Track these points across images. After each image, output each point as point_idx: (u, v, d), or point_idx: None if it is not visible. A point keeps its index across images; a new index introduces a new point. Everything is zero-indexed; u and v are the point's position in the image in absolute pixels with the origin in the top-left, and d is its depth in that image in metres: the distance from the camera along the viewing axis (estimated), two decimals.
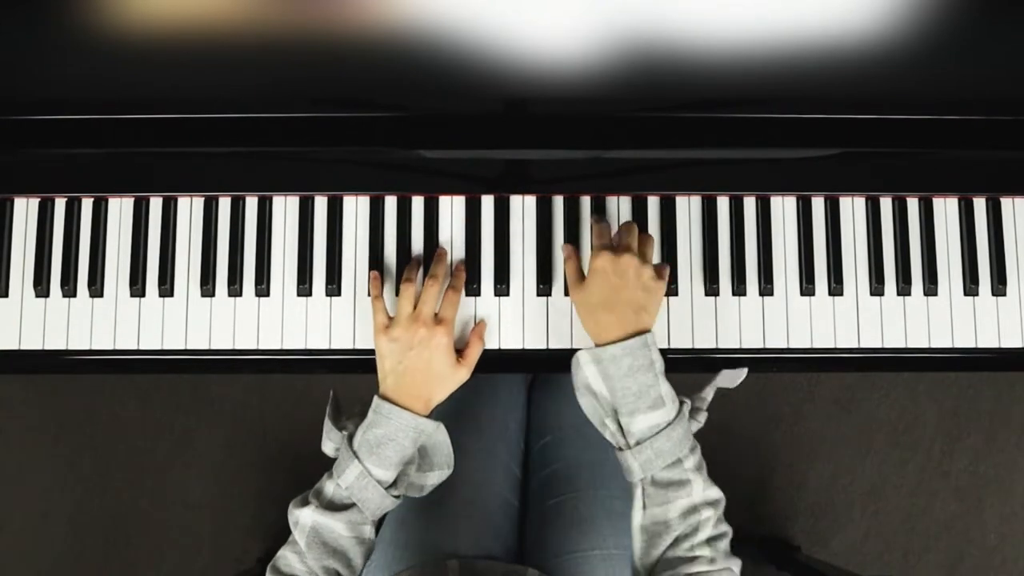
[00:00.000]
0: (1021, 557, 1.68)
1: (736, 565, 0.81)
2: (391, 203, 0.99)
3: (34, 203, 0.99)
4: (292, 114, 0.97)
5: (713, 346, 0.97)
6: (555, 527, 1.05)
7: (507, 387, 1.17)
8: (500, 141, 0.99)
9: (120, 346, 0.96)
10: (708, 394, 0.89)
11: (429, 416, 0.88)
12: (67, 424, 1.67)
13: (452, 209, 0.99)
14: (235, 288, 0.97)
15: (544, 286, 0.97)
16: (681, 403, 0.85)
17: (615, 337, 0.84)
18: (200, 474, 1.66)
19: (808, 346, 0.97)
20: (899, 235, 0.99)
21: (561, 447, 1.10)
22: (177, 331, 0.96)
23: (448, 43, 0.92)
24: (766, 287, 0.97)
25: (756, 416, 1.68)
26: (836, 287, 0.98)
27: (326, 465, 0.88)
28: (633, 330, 0.85)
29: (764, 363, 0.98)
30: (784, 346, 0.97)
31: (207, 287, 0.97)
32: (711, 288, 0.97)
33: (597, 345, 0.85)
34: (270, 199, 0.98)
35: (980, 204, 1.00)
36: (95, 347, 0.96)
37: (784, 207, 0.99)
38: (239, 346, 0.96)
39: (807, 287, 0.98)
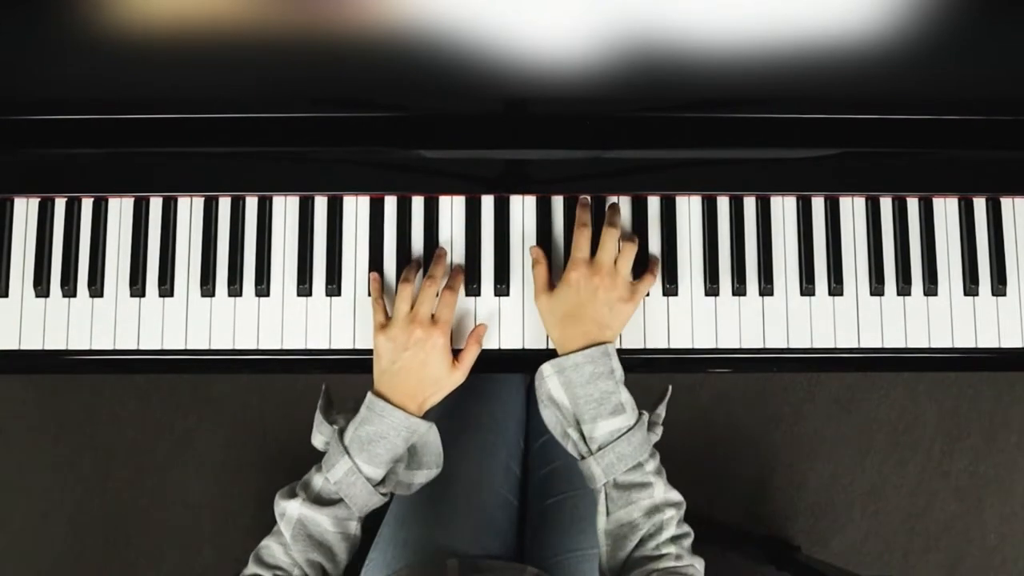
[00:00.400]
0: (1021, 557, 1.68)
1: (700, 564, 0.84)
2: (391, 203, 0.99)
3: (34, 203, 0.99)
4: (292, 114, 0.97)
5: (713, 346, 0.97)
6: (554, 526, 1.05)
7: (507, 387, 1.17)
8: (500, 141, 0.99)
9: (120, 346, 0.96)
10: (662, 410, 0.90)
11: (424, 416, 0.88)
12: (67, 424, 1.67)
13: (452, 209, 0.99)
14: (235, 288, 0.97)
15: None
16: (640, 413, 0.87)
17: (577, 347, 0.87)
18: (200, 474, 1.66)
19: (808, 346, 0.97)
20: (899, 235, 0.99)
21: (560, 446, 1.10)
22: (177, 331, 0.96)
23: (448, 43, 0.92)
24: (766, 287, 0.97)
25: (756, 416, 1.68)
26: (836, 287, 0.98)
27: None
28: (595, 341, 0.87)
29: (764, 363, 0.98)
30: (784, 346, 0.97)
31: (207, 287, 0.97)
32: (711, 288, 0.97)
33: (560, 354, 0.88)
34: (270, 199, 0.98)
35: (980, 204, 1.00)
36: (95, 347, 0.96)
37: (784, 207, 0.99)
38: (239, 346, 0.96)
39: (807, 287, 0.98)
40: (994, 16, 0.93)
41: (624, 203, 0.99)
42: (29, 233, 0.98)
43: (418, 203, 0.99)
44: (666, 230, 0.98)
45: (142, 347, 0.96)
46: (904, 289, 0.98)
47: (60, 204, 0.98)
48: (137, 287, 0.97)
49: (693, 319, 0.97)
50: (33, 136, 0.97)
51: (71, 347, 0.96)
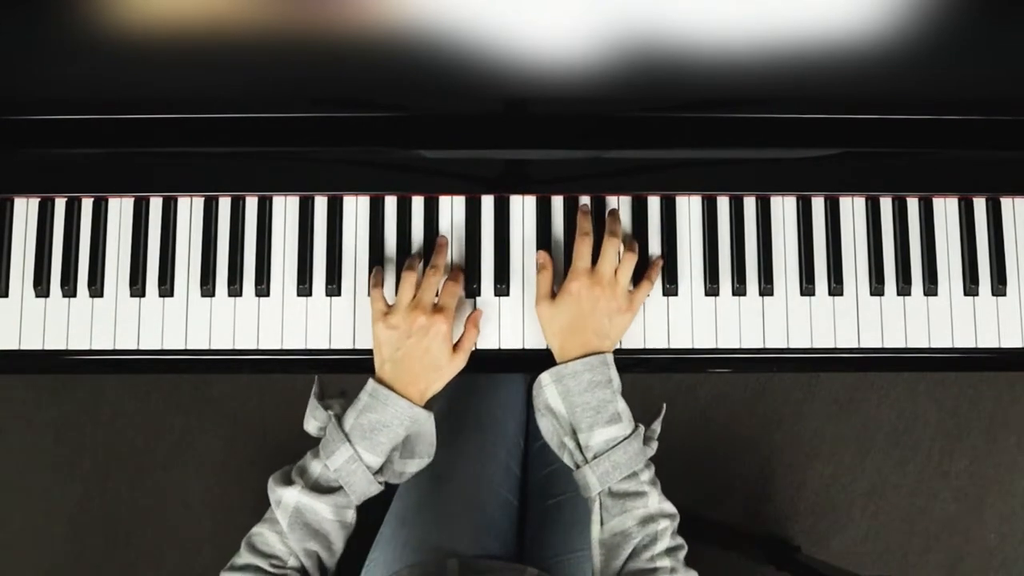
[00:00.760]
0: (1021, 557, 1.68)
1: None
2: (391, 203, 0.99)
3: (34, 203, 0.99)
4: (292, 114, 0.97)
5: (713, 346, 0.97)
6: (554, 527, 1.05)
7: (507, 387, 1.17)
8: (500, 141, 0.99)
9: (120, 346, 0.96)
10: (657, 426, 0.90)
11: (424, 406, 0.88)
12: (67, 424, 1.67)
13: (452, 209, 0.99)
14: (235, 288, 0.97)
15: None
16: (637, 424, 0.87)
17: (576, 356, 0.87)
18: (200, 474, 1.66)
19: (808, 346, 0.97)
20: (899, 235, 0.99)
21: None
22: (177, 331, 0.96)
23: (448, 43, 0.92)
24: (766, 287, 0.97)
25: (756, 416, 1.68)
26: (836, 287, 0.98)
27: None
28: (594, 351, 0.88)
29: (764, 363, 0.98)
30: (784, 346, 0.97)
31: (207, 287, 0.97)
32: (711, 288, 0.97)
33: (558, 362, 0.88)
34: (270, 199, 0.98)
35: (980, 204, 1.00)
36: (95, 347, 0.96)
37: (784, 207, 0.99)
38: (239, 346, 0.96)
39: (807, 287, 0.98)
40: (994, 16, 0.93)
41: (624, 203, 0.99)
42: (29, 233, 0.98)
43: (418, 203, 0.99)
44: (666, 230, 0.98)
45: (142, 347, 0.96)
46: (904, 289, 0.98)
47: (60, 204, 0.98)
48: (137, 287, 0.97)
49: (693, 319, 0.97)
50: (33, 136, 0.97)
51: (71, 347, 0.96)
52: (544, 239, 0.98)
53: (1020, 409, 1.69)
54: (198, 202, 0.99)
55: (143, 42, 0.93)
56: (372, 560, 1.03)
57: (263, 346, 0.96)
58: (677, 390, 1.68)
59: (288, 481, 0.84)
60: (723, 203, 0.99)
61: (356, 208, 0.98)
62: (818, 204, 0.99)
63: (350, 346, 0.96)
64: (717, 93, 0.96)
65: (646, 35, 0.92)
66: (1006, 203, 1.00)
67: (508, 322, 0.97)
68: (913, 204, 1.00)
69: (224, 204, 0.99)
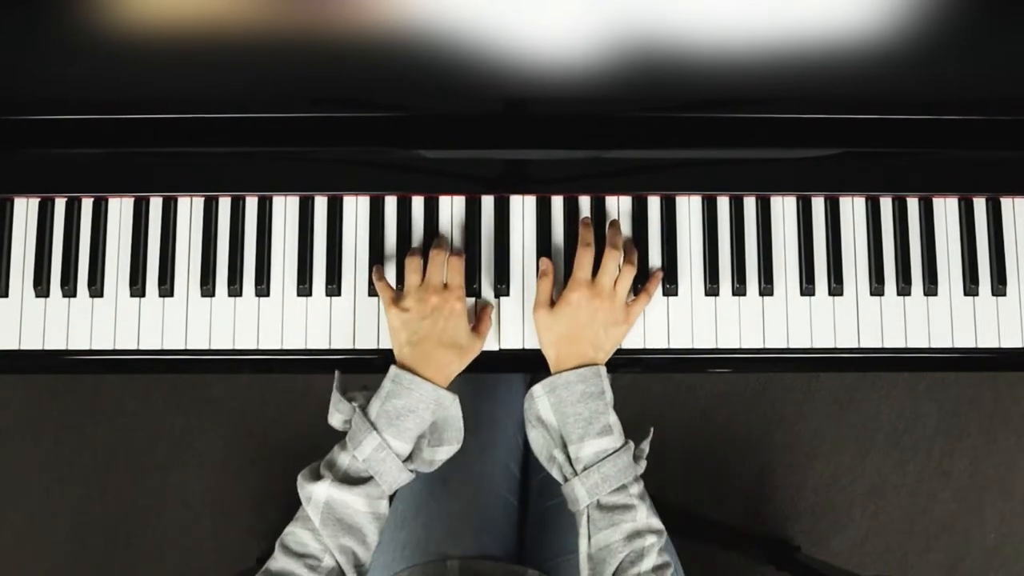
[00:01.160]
0: (1021, 557, 1.68)
1: None
2: (391, 203, 0.99)
3: (34, 203, 0.99)
4: (292, 114, 0.97)
5: (713, 346, 0.97)
6: (554, 528, 1.05)
7: (506, 387, 1.17)
8: (500, 141, 0.99)
9: (120, 346, 0.96)
10: (645, 446, 0.90)
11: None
12: (67, 424, 1.67)
13: (452, 209, 0.99)
14: (235, 288, 0.97)
15: None
16: (627, 439, 0.87)
17: (570, 366, 0.87)
18: (200, 474, 1.66)
19: (808, 346, 0.97)
20: (899, 235, 0.99)
21: None
22: (177, 331, 0.96)
23: (448, 43, 0.92)
24: (766, 287, 0.97)
25: (756, 416, 1.68)
26: (836, 287, 0.98)
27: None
28: (588, 362, 0.88)
29: (764, 363, 0.98)
30: (784, 346, 0.97)
31: (207, 287, 0.97)
32: (711, 288, 0.97)
33: (552, 373, 0.88)
34: (270, 199, 0.98)
35: (980, 204, 1.00)
36: (95, 347, 0.96)
37: (784, 207, 0.99)
38: (239, 346, 0.96)
39: (807, 287, 0.98)
40: (994, 16, 0.93)
41: (624, 203, 0.99)
42: (29, 233, 0.98)
43: (418, 203, 0.99)
44: (666, 230, 0.98)
45: (142, 347, 0.96)
46: (904, 289, 0.98)
47: (60, 204, 0.98)
48: (137, 287, 0.97)
49: (693, 319, 0.97)
50: (33, 136, 0.97)
51: (71, 347, 0.96)
52: (544, 239, 0.98)
53: (1020, 409, 1.69)
54: (198, 202, 0.99)
55: (143, 42, 0.93)
56: (372, 561, 1.03)
57: (263, 346, 0.96)
58: (677, 390, 1.68)
59: (317, 476, 0.82)
60: (723, 203, 0.99)
61: (356, 208, 0.98)
62: (818, 204, 0.99)
63: (350, 346, 0.96)
64: (717, 93, 0.96)
65: (646, 35, 0.92)
66: (1006, 203, 1.00)
67: (508, 322, 0.97)
68: (913, 204, 1.00)
69: (224, 204, 0.99)
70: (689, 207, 0.99)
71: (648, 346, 0.97)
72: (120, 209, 0.98)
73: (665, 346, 0.97)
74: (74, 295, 0.97)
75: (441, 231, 0.98)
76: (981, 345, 0.97)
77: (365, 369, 0.96)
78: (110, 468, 1.66)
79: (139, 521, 1.66)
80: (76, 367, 0.97)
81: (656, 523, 0.84)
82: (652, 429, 0.92)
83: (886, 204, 0.99)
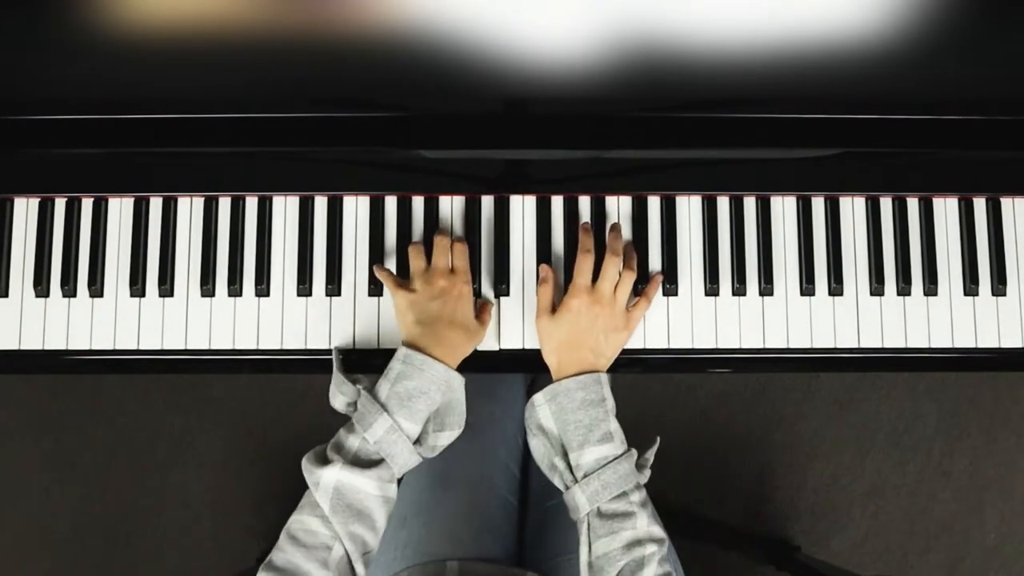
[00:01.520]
0: (1021, 557, 1.68)
1: None
2: (391, 203, 0.99)
3: (34, 203, 0.99)
4: (292, 114, 0.97)
5: (713, 346, 0.97)
6: (555, 528, 1.05)
7: (506, 387, 1.17)
8: (500, 141, 0.99)
9: (120, 346, 0.96)
10: (650, 455, 0.89)
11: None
12: (67, 424, 1.67)
13: (452, 209, 0.99)
14: (235, 288, 0.97)
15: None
16: (629, 447, 0.86)
17: (572, 373, 0.87)
18: (200, 474, 1.66)
19: (808, 346, 0.97)
20: (899, 235, 0.99)
21: None
22: (177, 331, 0.96)
23: (448, 43, 0.92)
24: (766, 287, 0.97)
25: (756, 416, 1.68)
26: (836, 287, 0.98)
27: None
28: (589, 368, 0.88)
29: (764, 363, 0.98)
30: (784, 346, 0.97)
31: (207, 287, 0.97)
32: (711, 288, 0.97)
33: (554, 380, 0.88)
34: (270, 199, 0.98)
35: (980, 204, 1.00)
36: (95, 347, 0.96)
37: (784, 207, 0.99)
38: (239, 346, 0.96)
39: (807, 287, 0.98)
40: (994, 16, 0.93)
41: (624, 203, 0.99)
42: (29, 233, 0.98)
43: (418, 203, 0.99)
44: (666, 230, 0.98)
45: (142, 347, 0.96)
46: (904, 289, 0.98)
47: (60, 204, 0.98)
48: (137, 287, 0.97)
49: (693, 319, 0.97)
50: (33, 136, 0.97)
51: (71, 347, 0.96)
52: (544, 239, 0.98)
53: (1020, 409, 1.69)
54: (198, 202, 0.99)
55: (143, 42, 0.93)
56: (372, 562, 1.03)
57: (263, 346, 0.96)
58: (677, 390, 1.68)
59: (324, 460, 0.80)
60: (723, 203, 0.99)
61: (356, 208, 0.98)
62: (818, 204, 0.99)
63: (350, 346, 0.96)
64: (717, 93, 0.96)
65: (646, 35, 0.92)
66: (1006, 203, 1.00)
67: (508, 322, 0.97)
68: (913, 204, 1.00)
69: (224, 204, 0.99)
70: (689, 207, 0.99)
71: (648, 346, 0.97)
72: (120, 209, 0.98)
73: (665, 346, 0.97)
74: (74, 295, 0.97)
75: (441, 229, 0.98)
76: (981, 345, 0.97)
77: (366, 369, 0.96)
78: (110, 468, 1.66)
79: (139, 521, 1.66)
80: (76, 367, 0.97)
81: (658, 531, 0.83)
82: (659, 439, 0.91)
83: (886, 204, 0.99)
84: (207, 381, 1.67)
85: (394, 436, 0.81)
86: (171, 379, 1.66)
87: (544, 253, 0.97)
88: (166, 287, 0.97)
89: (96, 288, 0.97)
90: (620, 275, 0.93)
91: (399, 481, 1.03)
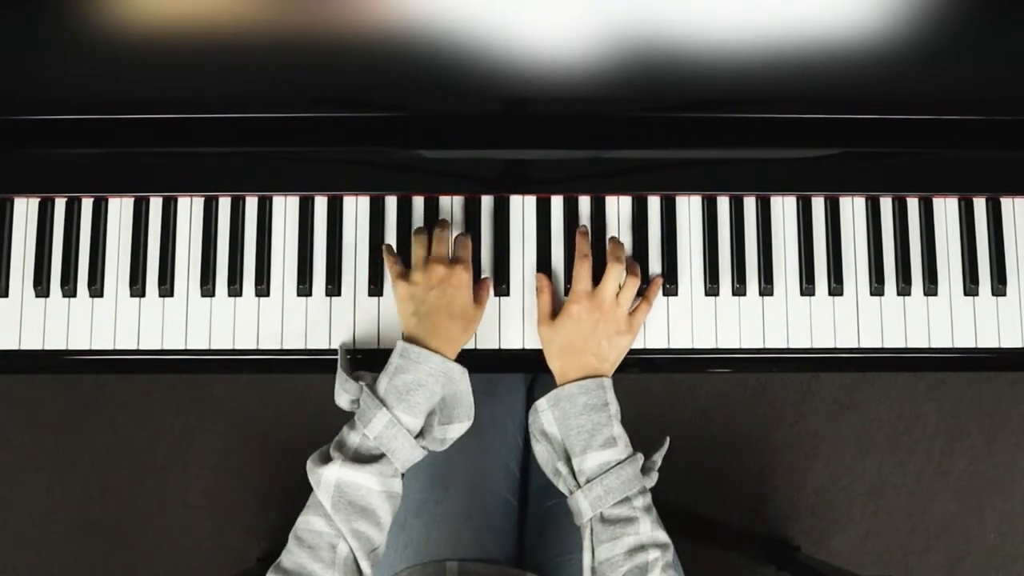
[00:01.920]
0: (1021, 557, 1.68)
1: None
2: (391, 203, 0.99)
3: (34, 203, 0.99)
4: (292, 114, 0.97)
5: (713, 346, 0.97)
6: (555, 528, 1.05)
7: (506, 387, 1.17)
8: (500, 141, 0.99)
9: (120, 346, 0.96)
10: (658, 458, 0.89)
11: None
12: (67, 424, 1.67)
13: (452, 209, 0.99)
14: (235, 288, 0.97)
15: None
16: (635, 452, 0.86)
17: (575, 378, 0.87)
18: (200, 474, 1.66)
19: (808, 346, 0.97)
20: (899, 235, 0.99)
21: None
22: (177, 331, 0.96)
23: (448, 43, 0.92)
24: (766, 287, 0.97)
25: (756, 416, 1.68)
26: (836, 287, 0.98)
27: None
28: (593, 373, 0.87)
29: (764, 363, 0.98)
30: (784, 346, 0.97)
31: (207, 287, 0.97)
32: (711, 288, 0.97)
33: (557, 385, 0.87)
34: (270, 199, 0.98)
35: (980, 204, 1.00)
36: (95, 347, 0.96)
37: (784, 207, 0.99)
38: (239, 346, 0.96)
39: (807, 287, 0.98)
40: (994, 16, 0.93)
41: (624, 203, 0.99)
42: (29, 233, 0.98)
43: (418, 203, 0.99)
44: (666, 230, 0.98)
45: (142, 347, 0.96)
46: (904, 289, 0.98)
47: (60, 204, 0.98)
48: (137, 287, 0.97)
49: (693, 319, 0.97)
50: (33, 136, 0.97)
51: (71, 347, 0.96)
52: (544, 239, 0.98)
53: (1020, 409, 1.69)
54: (198, 202, 0.99)
55: (143, 42, 0.93)
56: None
57: (263, 346, 0.96)
58: (677, 390, 1.68)
59: (327, 459, 0.80)
60: (723, 203, 0.99)
61: (356, 208, 0.98)
62: (818, 204, 0.99)
63: (350, 346, 0.96)
64: (717, 93, 0.96)
65: (646, 35, 0.92)
66: (1006, 203, 1.00)
67: (508, 322, 0.97)
68: (913, 204, 1.00)
69: (224, 204, 0.99)
70: (689, 207, 0.99)
71: (648, 346, 0.97)
72: (120, 209, 0.98)
73: (665, 346, 0.97)
74: (74, 295, 0.97)
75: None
76: (981, 345, 0.97)
77: (365, 368, 0.96)
78: (110, 468, 1.66)
79: (139, 521, 1.66)
80: (76, 367, 0.97)
81: (661, 536, 0.82)
82: (668, 440, 0.91)
83: (886, 204, 0.99)
84: (207, 381, 1.67)
85: (394, 430, 0.81)
86: (171, 379, 1.66)
87: (544, 253, 0.97)
88: (166, 287, 0.97)
89: (96, 288, 0.97)
90: (624, 280, 0.92)
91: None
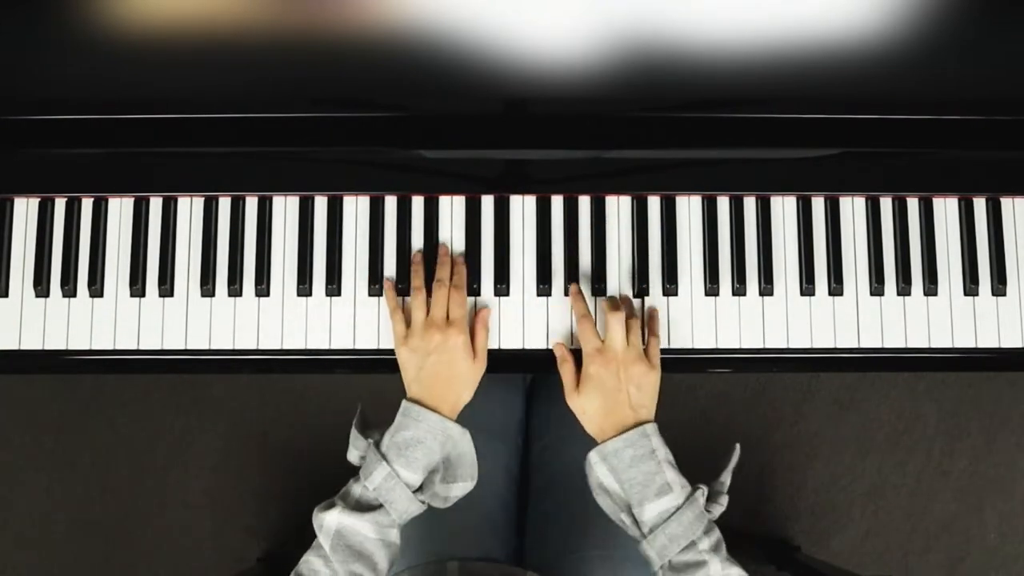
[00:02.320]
0: (1021, 557, 1.68)
1: None
2: (391, 203, 0.99)
3: (34, 203, 0.99)
4: (292, 114, 0.97)
5: (713, 346, 0.97)
6: (556, 528, 1.05)
7: (506, 387, 1.17)
8: (500, 141, 0.99)
9: (120, 346, 0.96)
10: (726, 478, 0.89)
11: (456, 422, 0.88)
12: (67, 424, 1.67)
13: (452, 209, 0.99)
14: (235, 288, 0.97)
15: (544, 286, 0.97)
16: (695, 489, 0.86)
17: (615, 434, 0.87)
18: (200, 474, 1.66)
19: (808, 346, 0.97)
20: (899, 235, 0.99)
21: (561, 447, 1.10)
22: (177, 331, 0.96)
23: (448, 43, 0.92)
24: (766, 287, 0.98)
25: (756, 416, 1.68)
26: (836, 287, 0.98)
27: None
28: (633, 424, 0.87)
29: (764, 363, 0.98)
30: (784, 346, 0.97)
31: (207, 287, 0.97)
32: (711, 288, 0.97)
33: (600, 442, 0.88)
34: (270, 199, 0.98)
35: (980, 204, 1.00)
36: (95, 347, 0.96)
37: (784, 207, 0.99)
38: (239, 346, 0.96)
39: (807, 287, 0.98)
40: (994, 16, 0.93)
41: (624, 203, 0.99)
42: (29, 233, 0.98)
43: (418, 203, 0.99)
44: (666, 230, 0.98)
45: (142, 347, 0.96)
46: (904, 289, 0.98)
47: (60, 204, 0.98)
48: (137, 287, 0.97)
49: (693, 319, 0.97)
50: (33, 136, 0.97)
51: (71, 347, 0.96)
52: (544, 239, 0.98)
53: (1020, 409, 1.69)
54: (198, 202, 0.99)
55: (143, 42, 0.93)
56: None
57: (263, 346, 0.96)
58: (677, 390, 1.68)
59: (330, 507, 0.84)
60: (723, 203, 0.99)
61: (356, 208, 0.98)
62: (818, 204, 0.99)
63: (350, 346, 0.96)
64: (717, 93, 0.96)
65: (646, 35, 0.92)
66: (1006, 203, 1.00)
67: (508, 322, 0.97)
68: (913, 204, 1.00)
69: (224, 204, 0.99)
70: (689, 207, 0.99)
71: None
72: (120, 209, 0.98)
73: (665, 346, 0.97)
74: (74, 295, 0.97)
75: (441, 231, 0.98)
76: (981, 345, 0.97)
77: (365, 369, 0.96)
78: (110, 468, 1.66)
79: (139, 521, 1.65)
80: (76, 367, 0.97)
81: (733, 572, 0.83)
82: (737, 448, 0.90)
83: (886, 204, 0.99)
84: (207, 381, 1.67)
85: (392, 483, 0.84)
86: (171, 379, 1.66)
87: (544, 253, 0.97)
88: (166, 287, 0.97)
89: (96, 288, 0.97)
90: (627, 325, 0.91)
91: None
